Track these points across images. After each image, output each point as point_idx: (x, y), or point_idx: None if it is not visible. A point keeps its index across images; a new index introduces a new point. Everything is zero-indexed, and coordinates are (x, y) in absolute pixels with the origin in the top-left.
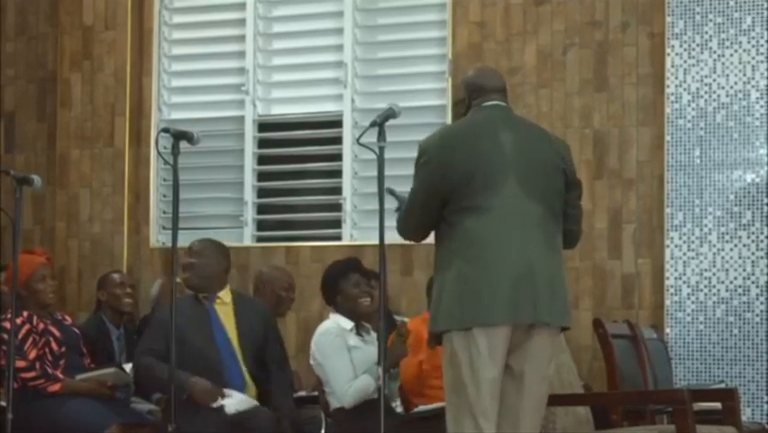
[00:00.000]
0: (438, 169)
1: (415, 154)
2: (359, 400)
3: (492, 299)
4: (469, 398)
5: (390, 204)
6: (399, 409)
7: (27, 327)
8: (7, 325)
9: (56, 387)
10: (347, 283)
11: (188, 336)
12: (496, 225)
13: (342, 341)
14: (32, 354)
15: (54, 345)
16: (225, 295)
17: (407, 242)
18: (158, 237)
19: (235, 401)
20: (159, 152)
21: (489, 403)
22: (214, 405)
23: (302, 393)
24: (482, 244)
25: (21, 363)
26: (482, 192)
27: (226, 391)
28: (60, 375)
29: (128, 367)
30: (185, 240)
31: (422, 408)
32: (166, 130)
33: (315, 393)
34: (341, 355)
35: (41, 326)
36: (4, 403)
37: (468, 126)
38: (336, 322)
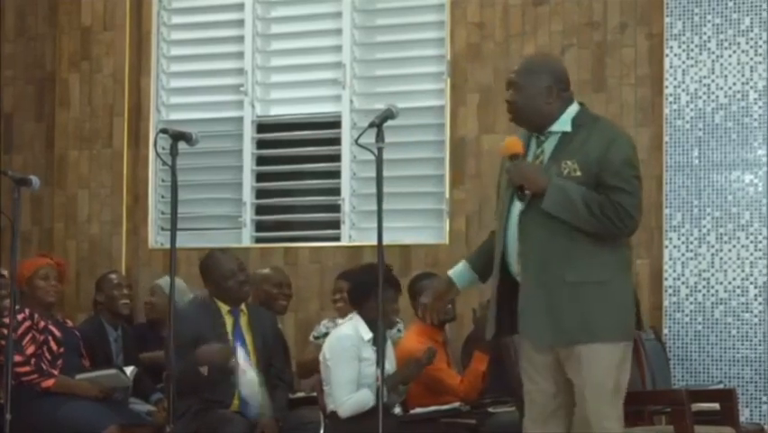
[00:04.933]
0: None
1: (414, 155)
2: (354, 412)
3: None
4: (621, 401)
5: (391, 204)
6: (398, 411)
7: (28, 323)
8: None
9: (49, 383)
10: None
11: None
12: None
13: (356, 351)
14: (30, 350)
15: (53, 345)
16: (243, 306)
17: (407, 242)
18: (156, 238)
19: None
20: (157, 153)
21: None
22: (231, 364)
23: (300, 394)
24: None
25: (17, 358)
26: None
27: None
28: (55, 372)
29: (128, 369)
30: (183, 241)
31: (419, 410)
32: (164, 131)
33: (314, 394)
34: (350, 365)
35: (42, 324)
36: (1, 401)
37: None
38: (357, 329)
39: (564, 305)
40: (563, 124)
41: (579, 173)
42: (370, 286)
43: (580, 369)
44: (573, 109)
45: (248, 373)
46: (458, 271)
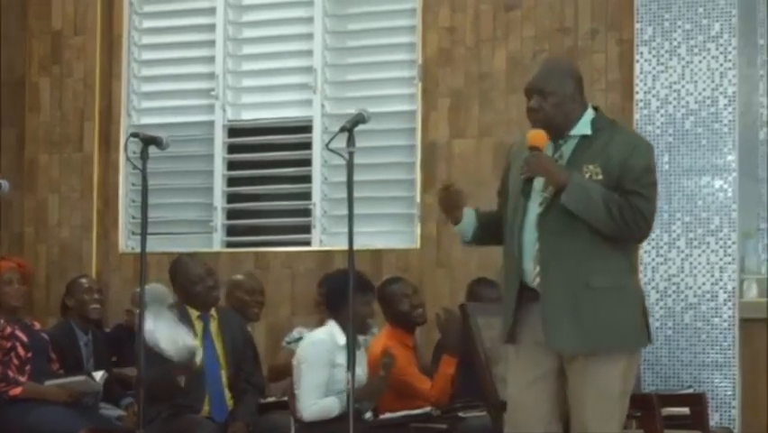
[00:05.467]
0: None
1: (384, 160)
2: (318, 418)
3: None
4: (626, 406)
5: (363, 209)
6: (368, 416)
7: None
8: None
9: (17, 391)
10: (359, 300)
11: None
12: None
13: (329, 357)
14: None
15: (21, 350)
16: (213, 311)
17: (378, 247)
18: (127, 243)
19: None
20: (128, 157)
21: None
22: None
23: (271, 399)
24: None
25: None
26: None
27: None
28: (23, 379)
29: (98, 375)
30: (154, 245)
31: (389, 415)
32: (135, 135)
33: (285, 399)
34: (321, 371)
35: (9, 330)
36: None
37: None
38: (332, 335)
39: (590, 311)
40: (583, 127)
41: (601, 177)
42: (345, 292)
43: (590, 375)
44: (590, 113)
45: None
46: (467, 211)
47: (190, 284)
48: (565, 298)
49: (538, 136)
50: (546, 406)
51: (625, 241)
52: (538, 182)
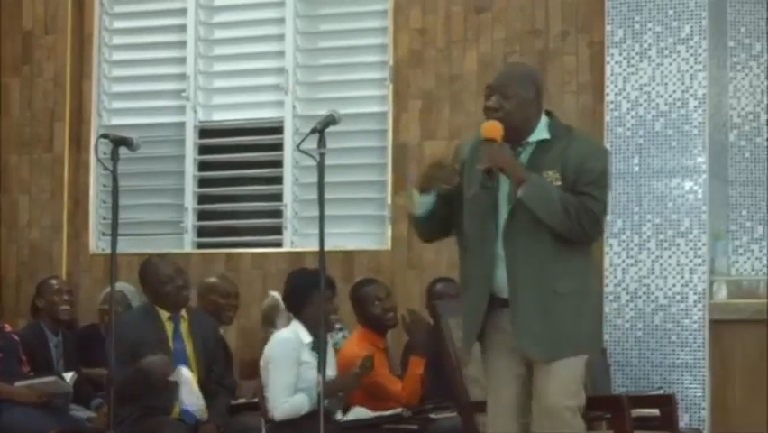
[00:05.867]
0: None
1: (355, 161)
2: (288, 416)
3: None
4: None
5: (334, 210)
6: (339, 417)
7: None
8: None
9: None
10: (319, 297)
11: (147, 354)
12: None
13: (296, 355)
14: None
15: None
16: (184, 312)
17: (349, 248)
18: (98, 244)
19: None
20: (98, 158)
21: None
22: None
23: (242, 400)
24: None
25: None
26: None
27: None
28: None
29: (68, 376)
30: (125, 246)
31: (361, 416)
32: (105, 136)
33: (255, 400)
34: (289, 369)
35: None
36: None
37: None
38: (297, 333)
39: (558, 317)
40: (540, 132)
41: (559, 183)
42: (304, 290)
43: (552, 376)
44: (545, 119)
45: (192, 387)
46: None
47: (160, 284)
48: (534, 304)
49: (494, 128)
50: (522, 400)
51: (581, 243)
52: (503, 193)
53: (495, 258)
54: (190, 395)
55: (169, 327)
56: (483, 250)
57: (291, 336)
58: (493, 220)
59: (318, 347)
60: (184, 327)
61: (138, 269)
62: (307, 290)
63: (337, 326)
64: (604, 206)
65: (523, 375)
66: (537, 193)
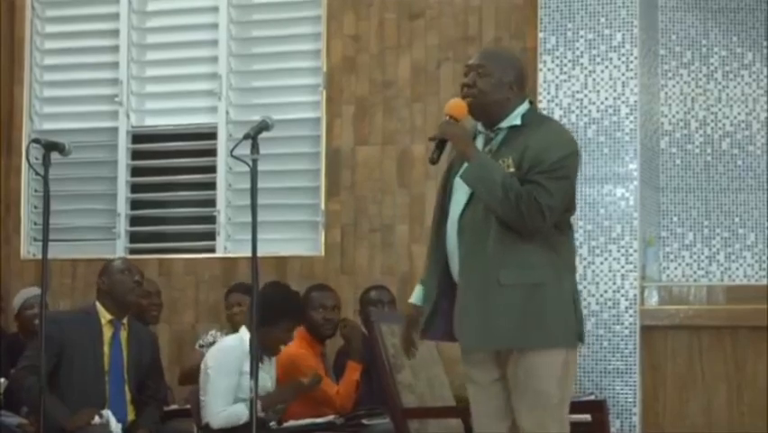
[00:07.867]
0: (576, 168)
1: (288, 167)
2: (226, 425)
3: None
4: (566, 412)
5: (267, 216)
6: (273, 423)
7: None
8: None
9: None
10: (284, 327)
11: (78, 356)
12: None
13: (239, 364)
14: None
15: None
16: (125, 320)
17: (282, 254)
18: (29, 249)
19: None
20: (29, 163)
21: None
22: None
23: (174, 407)
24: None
25: None
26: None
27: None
28: None
29: None
30: (56, 252)
31: (292, 423)
32: (37, 141)
33: (188, 406)
34: (230, 378)
35: None
36: None
37: None
38: (243, 342)
39: (497, 308)
40: (514, 119)
41: (512, 170)
42: (278, 314)
43: (518, 376)
44: (524, 107)
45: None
46: (418, 295)
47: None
48: (476, 294)
49: (458, 106)
50: (503, 402)
51: (529, 232)
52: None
53: (449, 243)
54: None
55: (107, 330)
56: (441, 236)
57: (236, 344)
58: (455, 206)
59: (264, 354)
60: (123, 335)
61: (70, 274)
62: (279, 316)
63: None
64: (556, 198)
65: (501, 374)
66: (478, 173)
